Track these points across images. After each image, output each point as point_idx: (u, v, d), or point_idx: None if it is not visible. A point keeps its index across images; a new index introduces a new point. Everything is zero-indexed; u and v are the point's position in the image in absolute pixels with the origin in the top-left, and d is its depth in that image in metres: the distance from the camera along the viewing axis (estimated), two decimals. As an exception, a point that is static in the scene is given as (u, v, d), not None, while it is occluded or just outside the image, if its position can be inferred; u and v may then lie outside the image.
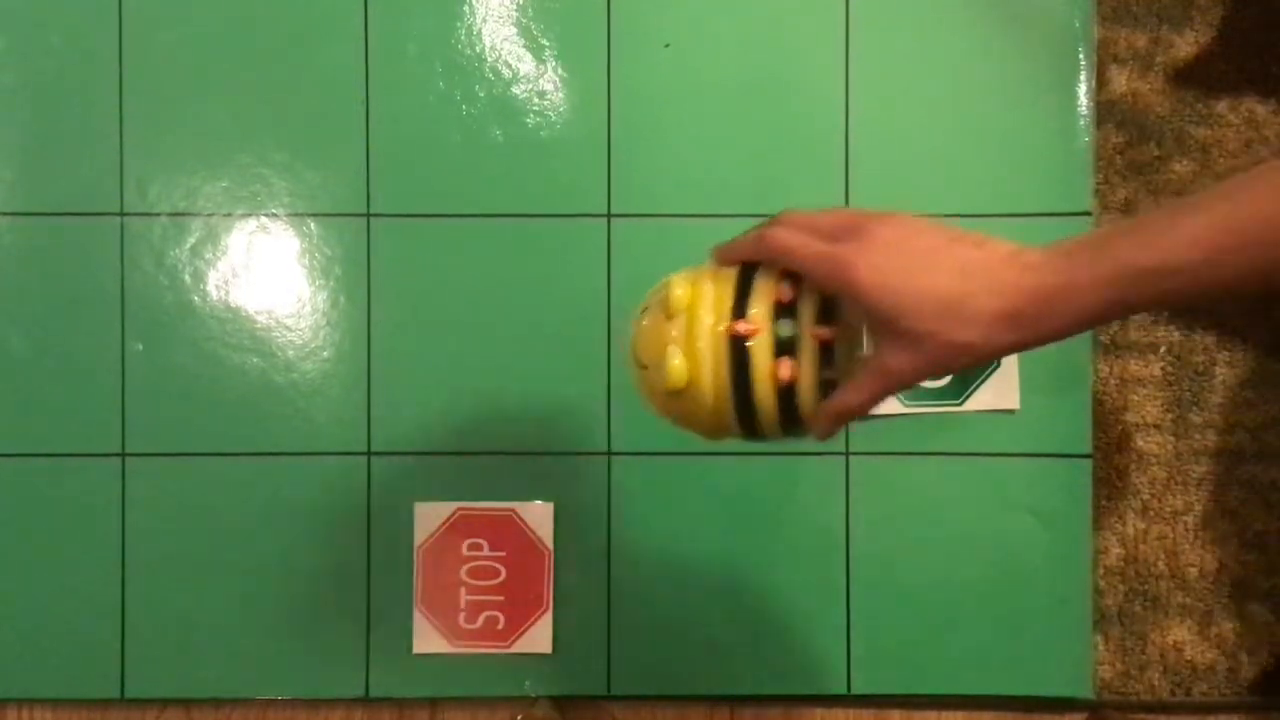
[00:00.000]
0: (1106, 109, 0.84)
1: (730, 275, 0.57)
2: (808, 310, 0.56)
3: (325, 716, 0.83)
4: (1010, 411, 0.82)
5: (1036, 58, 0.83)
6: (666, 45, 0.83)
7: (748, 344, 0.55)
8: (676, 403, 0.57)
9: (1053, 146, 0.82)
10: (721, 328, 0.56)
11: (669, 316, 0.57)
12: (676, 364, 0.56)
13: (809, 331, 0.55)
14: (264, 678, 0.82)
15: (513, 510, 0.82)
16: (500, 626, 0.82)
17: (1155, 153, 0.84)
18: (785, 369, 0.55)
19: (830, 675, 0.82)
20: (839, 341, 0.56)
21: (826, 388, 0.56)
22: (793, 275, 0.56)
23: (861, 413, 0.55)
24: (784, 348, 0.55)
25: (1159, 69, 0.85)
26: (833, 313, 0.56)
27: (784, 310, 0.56)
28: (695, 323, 0.56)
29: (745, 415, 0.56)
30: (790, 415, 0.56)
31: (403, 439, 0.82)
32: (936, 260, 0.52)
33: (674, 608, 0.82)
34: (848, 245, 0.53)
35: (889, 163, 0.82)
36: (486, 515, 0.82)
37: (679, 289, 0.57)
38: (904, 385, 0.54)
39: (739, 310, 0.56)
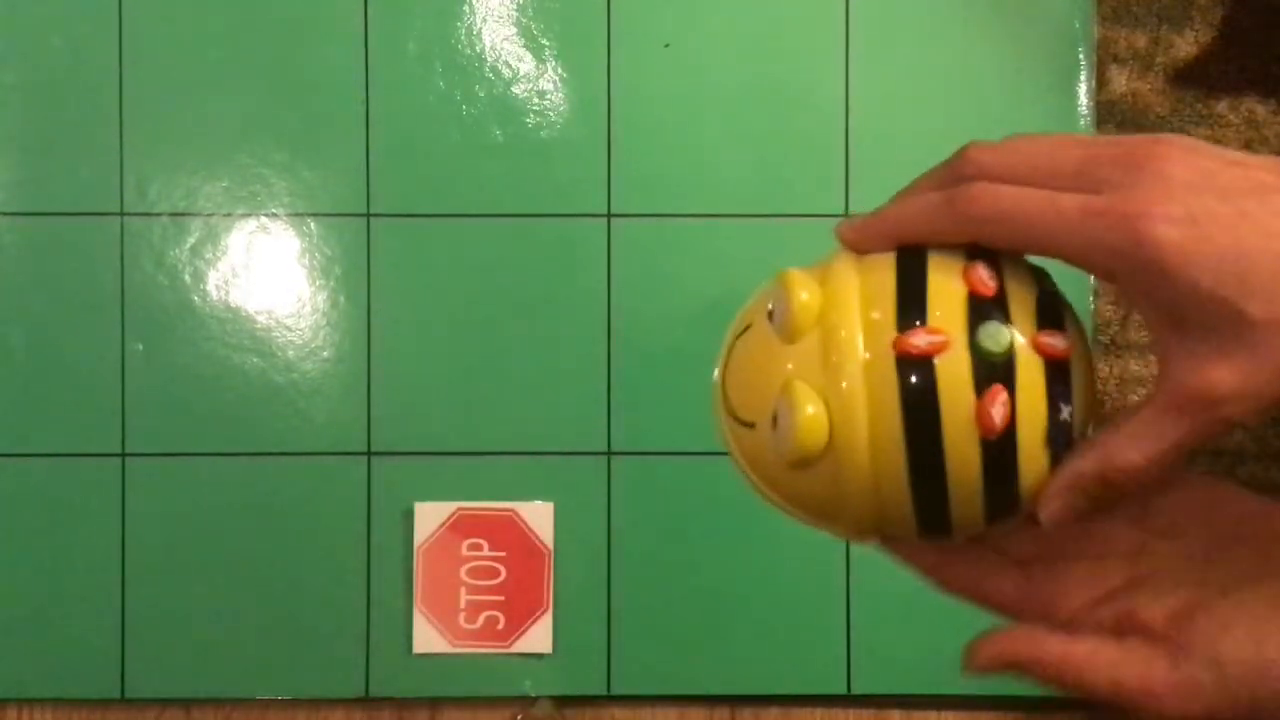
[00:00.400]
0: (1106, 109, 0.84)
1: (884, 263, 0.37)
2: (1023, 308, 0.35)
3: (325, 716, 0.83)
4: (1010, 411, 0.82)
5: (1036, 58, 0.83)
6: (666, 45, 0.83)
7: (932, 367, 0.34)
8: (806, 479, 0.37)
9: (1053, 146, 0.82)
10: (883, 345, 0.35)
11: (788, 339, 0.37)
12: (810, 414, 0.35)
13: (1033, 341, 0.35)
14: (264, 678, 0.82)
15: (513, 510, 0.82)
16: (500, 626, 0.82)
17: (1155, 153, 0.84)
18: (998, 406, 0.34)
19: (830, 675, 0.82)
20: (1075, 361, 0.36)
21: (1056, 439, 0.35)
22: (986, 255, 0.36)
23: (1149, 476, 0.35)
24: (992, 370, 0.34)
25: (1159, 69, 0.85)
26: (1052, 314, 0.36)
27: (982, 310, 0.35)
28: (836, 343, 0.35)
29: (928, 491, 0.35)
30: (1005, 487, 0.35)
31: (403, 439, 0.82)
32: (1274, 204, 0.32)
33: (674, 608, 0.82)
34: (1125, 192, 0.33)
35: (889, 162, 0.82)
36: (486, 515, 0.82)
37: (803, 291, 0.36)
38: (1231, 418, 0.33)
39: (910, 314, 0.35)
